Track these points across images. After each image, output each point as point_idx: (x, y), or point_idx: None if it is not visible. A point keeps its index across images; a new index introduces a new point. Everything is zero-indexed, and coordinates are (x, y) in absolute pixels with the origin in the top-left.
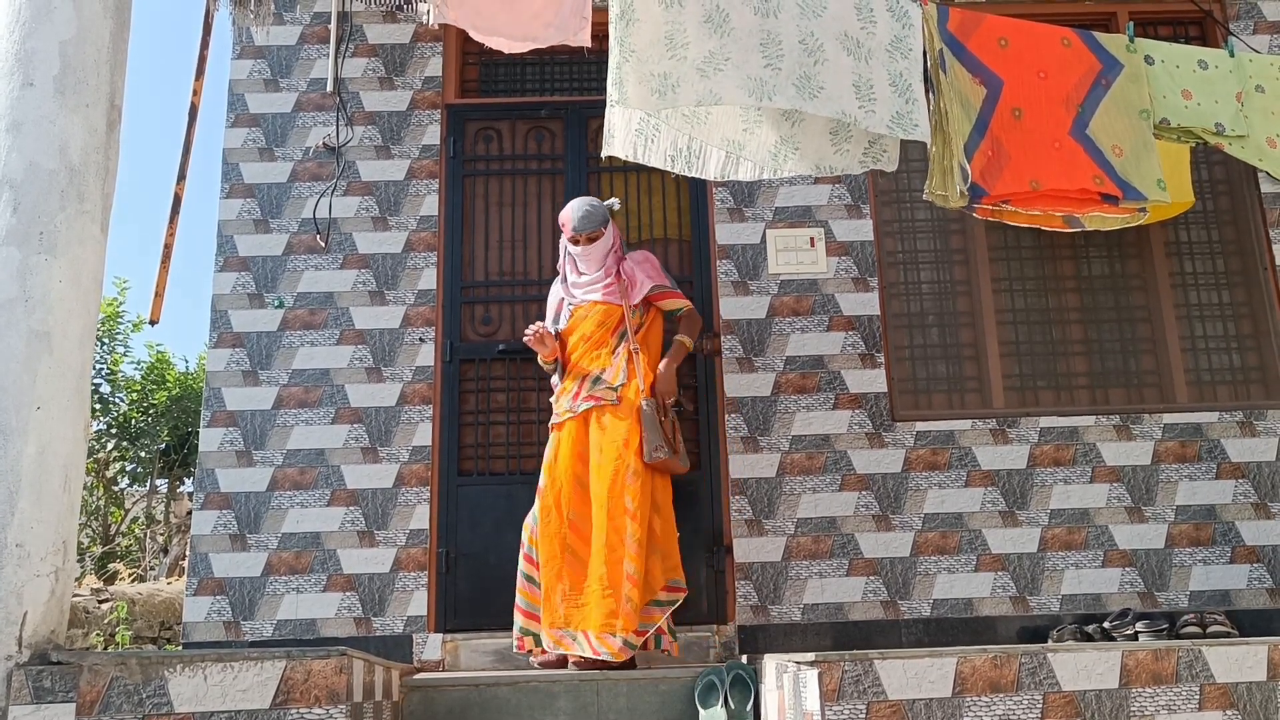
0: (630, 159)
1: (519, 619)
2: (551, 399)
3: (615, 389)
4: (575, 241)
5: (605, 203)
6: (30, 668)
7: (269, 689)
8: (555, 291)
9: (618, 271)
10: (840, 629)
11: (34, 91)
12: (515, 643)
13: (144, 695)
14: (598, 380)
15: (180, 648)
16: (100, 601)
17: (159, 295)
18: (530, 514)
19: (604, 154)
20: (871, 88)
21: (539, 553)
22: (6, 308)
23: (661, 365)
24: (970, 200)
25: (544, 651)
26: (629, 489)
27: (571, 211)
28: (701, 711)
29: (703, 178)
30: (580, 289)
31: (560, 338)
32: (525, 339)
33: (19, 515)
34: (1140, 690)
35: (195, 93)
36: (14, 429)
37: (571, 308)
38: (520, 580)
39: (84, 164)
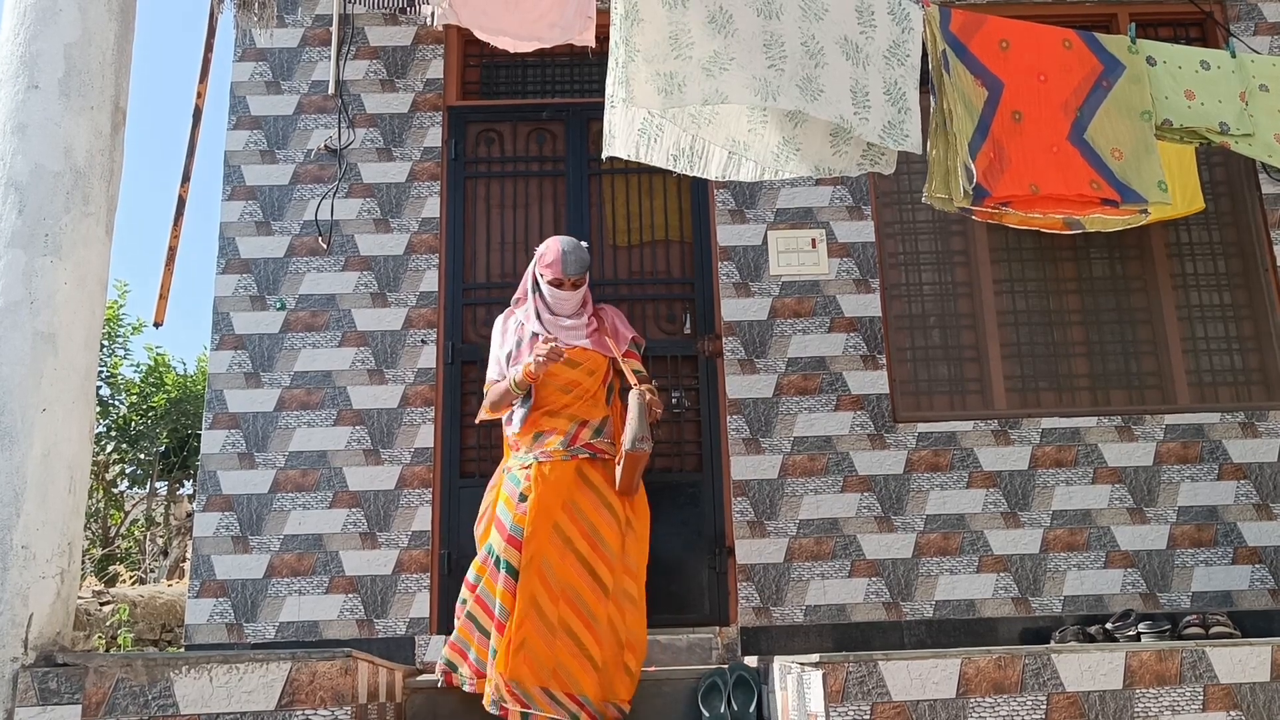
0: (632, 158)
1: (450, 653)
2: (514, 434)
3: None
4: (560, 285)
5: (584, 244)
6: (36, 669)
7: (274, 690)
8: (518, 325)
9: (596, 318)
10: (842, 630)
11: (39, 94)
12: (441, 676)
13: (150, 697)
14: (599, 431)
15: (182, 650)
16: (102, 604)
17: (163, 297)
18: (486, 557)
19: (605, 155)
20: (867, 95)
21: (517, 600)
22: (12, 310)
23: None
24: (973, 200)
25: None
26: (642, 547)
27: (560, 254)
28: (705, 713)
29: (704, 177)
30: (564, 331)
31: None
32: (539, 357)
33: (24, 517)
34: (1144, 691)
35: (199, 95)
36: (19, 431)
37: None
38: (464, 619)
39: (89, 166)
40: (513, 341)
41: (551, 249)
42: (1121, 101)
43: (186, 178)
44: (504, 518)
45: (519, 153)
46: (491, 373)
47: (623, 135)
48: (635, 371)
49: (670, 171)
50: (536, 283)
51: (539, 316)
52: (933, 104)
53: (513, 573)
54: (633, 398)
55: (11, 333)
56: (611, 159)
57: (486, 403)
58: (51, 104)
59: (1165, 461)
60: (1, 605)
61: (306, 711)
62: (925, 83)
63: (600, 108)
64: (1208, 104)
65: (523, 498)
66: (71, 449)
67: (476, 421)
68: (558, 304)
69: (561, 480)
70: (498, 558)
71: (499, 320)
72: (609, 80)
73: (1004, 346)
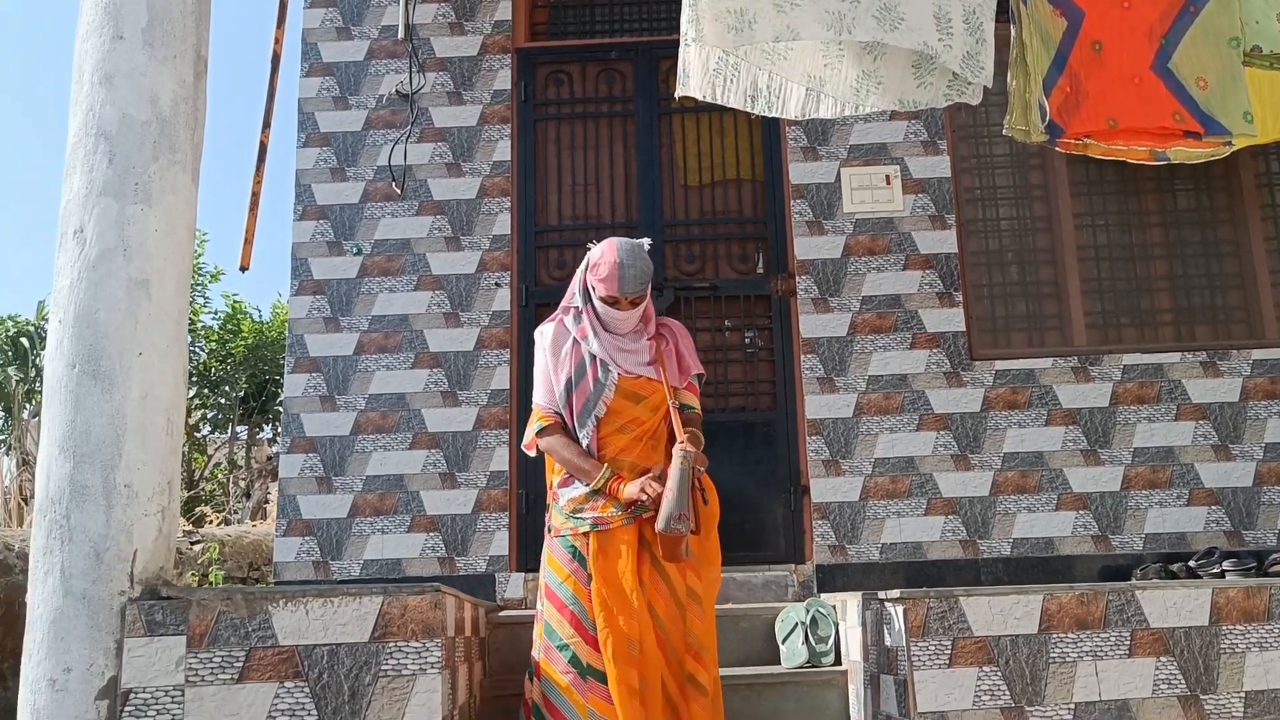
0: (708, 99)
1: None
2: (567, 493)
3: None
4: (616, 303)
5: (645, 245)
6: (142, 602)
7: (368, 623)
8: (573, 345)
9: (660, 336)
10: (917, 568)
11: (124, 44)
12: None
13: (250, 629)
14: (660, 480)
15: (272, 586)
16: (192, 543)
17: (248, 242)
18: (556, 647)
19: (678, 94)
20: (949, 21)
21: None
22: (107, 257)
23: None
24: (1049, 138)
25: None
26: (708, 624)
27: (616, 267)
28: (782, 648)
29: (783, 117)
30: (623, 355)
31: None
32: (645, 497)
33: (126, 457)
34: (1231, 628)
35: (277, 41)
36: (118, 374)
37: (619, 376)
38: None
39: (174, 115)
40: (571, 366)
41: (606, 258)
42: (1209, 28)
43: (267, 124)
44: (567, 599)
45: (588, 93)
46: (540, 397)
47: (697, 75)
48: (684, 408)
49: (748, 111)
50: (589, 293)
51: (595, 335)
52: (1012, 34)
53: (599, 676)
54: (675, 460)
55: (107, 279)
56: (683, 97)
57: (550, 450)
58: (136, 54)
59: (1252, 397)
60: (108, 541)
61: (399, 643)
62: (1004, 12)
63: (668, 45)
64: None
65: (582, 559)
66: (168, 391)
67: (523, 447)
68: (612, 323)
69: (632, 542)
70: (575, 658)
71: (547, 331)
72: (683, 18)
73: (1084, 282)
